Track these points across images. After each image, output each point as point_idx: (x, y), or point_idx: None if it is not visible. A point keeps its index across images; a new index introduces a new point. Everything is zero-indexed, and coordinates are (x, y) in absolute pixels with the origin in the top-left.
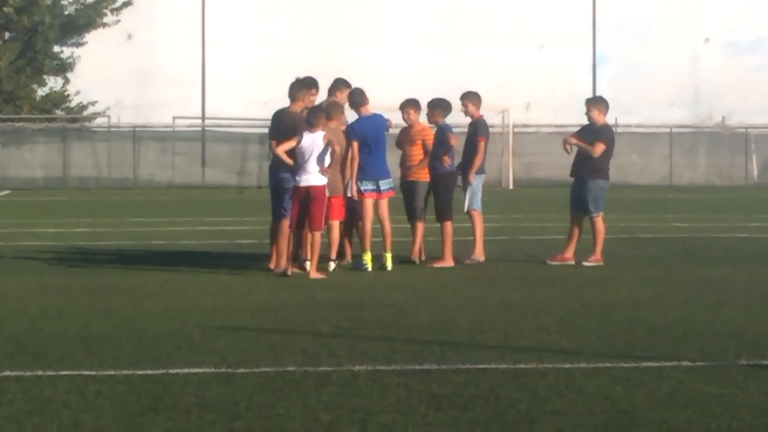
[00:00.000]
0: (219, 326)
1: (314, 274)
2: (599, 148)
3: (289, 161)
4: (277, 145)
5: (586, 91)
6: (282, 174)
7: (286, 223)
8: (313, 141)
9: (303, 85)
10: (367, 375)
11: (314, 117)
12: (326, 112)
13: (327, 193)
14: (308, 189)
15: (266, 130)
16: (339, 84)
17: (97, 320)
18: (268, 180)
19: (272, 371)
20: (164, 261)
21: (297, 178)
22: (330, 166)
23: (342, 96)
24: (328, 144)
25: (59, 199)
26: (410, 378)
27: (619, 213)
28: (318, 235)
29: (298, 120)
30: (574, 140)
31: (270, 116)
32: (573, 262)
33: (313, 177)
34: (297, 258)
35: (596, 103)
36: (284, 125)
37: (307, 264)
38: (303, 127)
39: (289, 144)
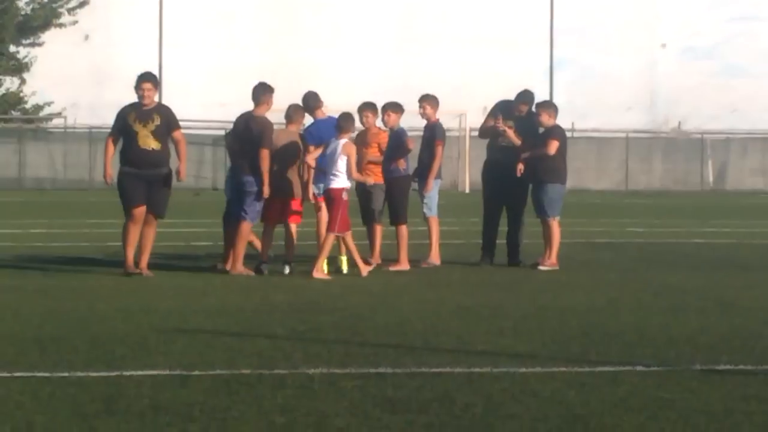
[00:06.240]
0: (174, 328)
1: (317, 274)
2: (553, 146)
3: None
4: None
5: (544, 95)
6: (245, 177)
7: (245, 225)
8: (335, 148)
9: (267, 88)
10: (322, 378)
11: (346, 123)
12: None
13: (345, 196)
14: (329, 191)
15: (223, 132)
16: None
17: (51, 322)
18: (226, 182)
19: (227, 374)
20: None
21: (320, 184)
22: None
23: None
24: (345, 153)
25: (14, 200)
26: (365, 381)
27: (574, 217)
28: (331, 236)
29: (267, 126)
30: (524, 156)
31: (226, 118)
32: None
33: (333, 180)
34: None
35: (545, 107)
36: (251, 132)
37: (264, 267)
38: (271, 131)
39: (319, 152)
